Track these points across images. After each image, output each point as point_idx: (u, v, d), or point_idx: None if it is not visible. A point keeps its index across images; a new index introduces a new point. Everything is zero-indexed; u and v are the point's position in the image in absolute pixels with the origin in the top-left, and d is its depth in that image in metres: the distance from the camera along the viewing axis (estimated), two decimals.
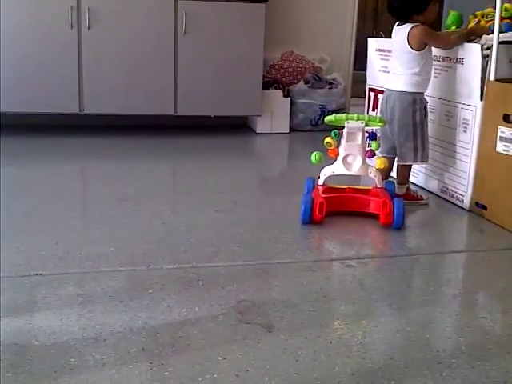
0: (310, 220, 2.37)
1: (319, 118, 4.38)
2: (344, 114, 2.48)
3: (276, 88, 4.36)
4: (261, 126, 4.30)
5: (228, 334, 1.54)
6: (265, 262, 2.04)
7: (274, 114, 4.30)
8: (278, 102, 4.30)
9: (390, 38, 2.70)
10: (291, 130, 4.40)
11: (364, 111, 3.42)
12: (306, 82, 4.42)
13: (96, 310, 1.64)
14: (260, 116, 4.24)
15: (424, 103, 2.62)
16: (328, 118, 2.49)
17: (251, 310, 1.67)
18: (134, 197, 2.73)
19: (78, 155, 3.56)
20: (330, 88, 4.44)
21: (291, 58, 4.46)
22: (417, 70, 2.56)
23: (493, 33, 2.49)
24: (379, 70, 3.26)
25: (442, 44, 2.66)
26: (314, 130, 4.42)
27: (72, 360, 1.39)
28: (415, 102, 2.59)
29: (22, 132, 3.98)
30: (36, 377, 1.32)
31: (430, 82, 2.66)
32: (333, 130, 2.51)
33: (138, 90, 3.94)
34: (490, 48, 2.52)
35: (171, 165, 3.54)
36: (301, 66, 4.46)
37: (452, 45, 2.65)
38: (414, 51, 2.54)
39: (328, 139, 2.49)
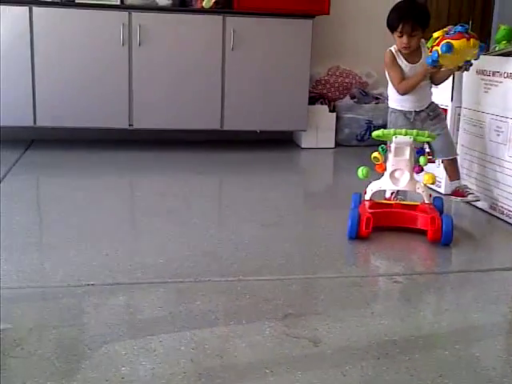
0: (356, 235, 2.37)
1: (365, 133, 4.37)
2: (392, 129, 2.47)
3: (322, 103, 4.37)
4: (306, 140, 4.32)
5: (275, 347, 1.55)
6: (311, 277, 2.05)
7: (320, 129, 4.31)
8: (324, 116, 4.30)
9: None
10: (337, 145, 4.40)
11: None
12: (352, 97, 4.42)
13: (145, 320, 1.67)
14: (305, 131, 4.25)
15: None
16: (376, 133, 2.49)
17: (298, 324, 1.67)
18: (182, 210, 2.78)
19: (127, 169, 3.64)
20: (377, 103, 4.42)
21: (337, 73, 4.47)
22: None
23: None
24: None
25: (392, 81, 2.69)
26: (360, 145, 4.41)
27: (123, 369, 1.42)
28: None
29: (74, 146, 4.09)
30: None
31: (479, 96, 2.64)
32: (380, 145, 2.51)
33: (186, 105, 4.00)
34: None
35: (217, 179, 3.58)
36: (347, 80, 4.47)
37: (402, 89, 2.65)
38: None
39: (375, 154, 2.49)
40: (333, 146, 4.37)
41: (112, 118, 3.97)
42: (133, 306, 1.77)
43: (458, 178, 2.80)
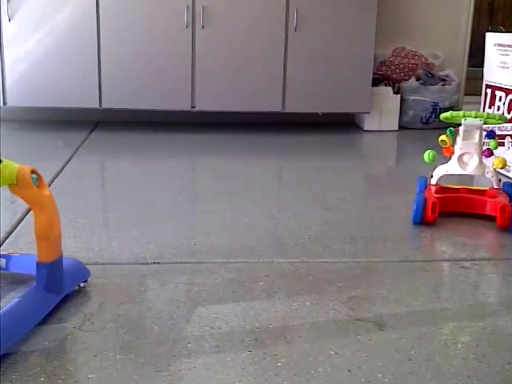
0: (421, 220, 2.32)
1: (430, 116, 4.26)
2: (461, 111, 2.40)
3: (386, 85, 4.29)
4: (369, 123, 4.25)
5: (339, 329, 1.54)
6: (375, 260, 2.02)
7: (383, 112, 4.23)
8: (388, 98, 4.23)
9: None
10: (400, 127, 4.31)
11: (479, 109, 3.29)
12: (418, 79, 4.32)
13: (210, 299, 1.69)
14: (369, 113, 4.19)
15: None
16: (444, 115, 2.42)
17: (362, 307, 1.66)
18: (243, 192, 2.79)
19: (189, 151, 3.68)
20: (443, 85, 4.31)
21: (403, 54, 4.37)
22: None
23: None
24: (498, 66, 3.13)
25: None
26: (425, 128, 4.31)
27: (189, 345, 1.44)
28: None
29: (137, 128, 4.16)
30: (155, 359, 1.38)
31: None
32: (448, 127, 2.44)
33: (248, 87, 4.01)
34: None
35: (278, 161, 3.58)
36: (412, 62, 4.36)
37: None
38: None
39: (443, 137, 2.42)
40: (396, 128, 4.29)
41: (175, 100, 4.02)
42: (197, 284, 1.79)
43: None
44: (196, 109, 4.04)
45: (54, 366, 1.36)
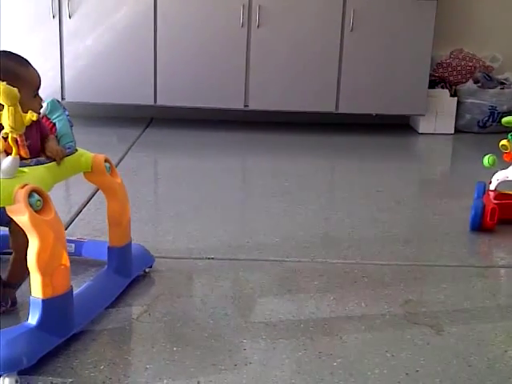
0: (479, 226, 2.27)
1: (488, 120, 4.16)
2: None
3: (442, 87, 4.22)
4: (424, 125, 4.18)
5: (396, 332, 1.52)
6: (431, 264, 1.99)
7: (439, 114, 4.16)
8: (444, 101, 4.15)
9: None
10: (456, 131, 4.22)
11: None
12: (476, 82, 4.22)
13: (265, 295, 1.70)
14: (424, 115, 4.12)
15: None
16: (506, 119, 2.36)
17: (419, 311, 1.63)
18: (295, 191, 2.78)
19: (242, 149, 3.69)
20: (502, 88, 4.20)
21: (460, 56, 4.28)
22: None
23: None
24: None
25: None
26: (482, 132, 4.21)
27: (244, 341, 1.45)
28: None
29: (190, 126, 4.20)
30: (213, 353, 1.39)
31: None
32: (509, 132, 2.38)
33: (302, 87, 4.00)
34: None
35: (330, 162, 3.56)
36: (470, 64, 4.27)
37: None
38: None
39: (504, 142, 2.36)
40: (452, 132, 4.21)
41: (228, 99, 4.04)
42: (251, 281, 1.79)
43: None
44: (249, 108, 4.06)
45: (112, 355, 1.39)
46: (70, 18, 3.89)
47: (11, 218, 1.44)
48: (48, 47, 3.90)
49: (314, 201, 2.63)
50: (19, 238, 1.47)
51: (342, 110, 4.04)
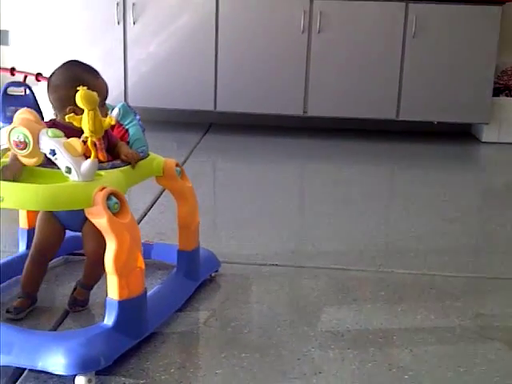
0: None
1: None
2: None
3: (507, 95, 4.11)
4: (487, 134, 4.08)
5: (468, 346, 1.48)
6: (502, 277, 1.93)
7: (503, 123, 4.05)
8: (509, 109, 4.04)
9: None
10: None
11: None
12: None
13: (331, 304, 1.68)
14: (487, 124, 4.02)
15: None
16: None
17: (492, 325, 1.59)
18: (357, 199, 2.75)
19: (301, 156, 3.69)
20: None
21: None
22: None
23: None
24: None
25: None
26: None
27: (312, 350, 1.44)
28: None
29: (249, 131, 4.22)
30: (281, 361, 1.39)
31: None
32: None
33: (362, 93, 3.96)
34: None
35: (391, 170, 3.51)
36: None
37: None
38: None
39: None
40: None
41: (287, 105, 4.04)
42: (317, 289, 1.78)
43: None
44: (308, 114, 4.05)
45: (182, 358, 1.40)
46: (133, 24, 3.97)
47: (83, 222, 1.49)
48: (112, 53, 3.99)
49: (377, 209, 2.60)
50: (91, 242, 1.50)
51: (402, 117, 3.99)
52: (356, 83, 3.95)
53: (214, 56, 3.98)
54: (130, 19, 3.96)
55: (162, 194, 2.57)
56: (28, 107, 1.52)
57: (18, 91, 2.89)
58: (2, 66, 2.86)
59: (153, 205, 2.51)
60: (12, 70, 2.80)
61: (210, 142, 3.91)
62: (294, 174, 3.32)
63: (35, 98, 2.84)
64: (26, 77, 2.84)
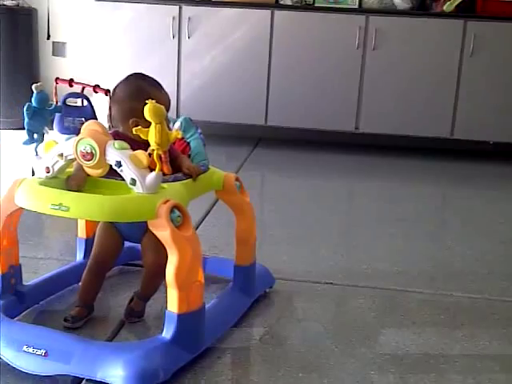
0: None
1: None
2: None
3: None
4: None
5: None
6: None
7: None
8: None
9: None
10: None
11: None
12: None
13: (389, 326, 1.64)
14: None
15: None
16: None
17: None
18: (413, 218, 2.70)
19: (352, 173, 3.65)
20: None
21: None
22: None
23: None
24: None
25: None
26: None
27: (372, 373, 1.40)
28: None
29: (298, 146, 4.21)
30: (339, 383, 1.36)
31: None
32: None
33: (415, 111, 3.91)
34: None
35: (444, 189, 3.43)
36: None
37: None
38: None
39: None
40: None
41: (339, 121, 4.02)
42: (373, 309, 1.74)
43: None
44: (359, 130, 4.01)
45: (238, 375, 1.38)
46: (188, 38, 4.01)
47: (143, 234, 1.49)
48: (166, 66, 4.04)
49: (432, 229, 2.55)
50: (150, 254, 1.51)
51: (457, 136, 3.91)
52: (409, 100, 3.90)
53: (266, 70, 3.99)
54: (185, 33, 4.00)
55: (213, 207, 2.57)
56: (86, 118, 1.55)
57: (77, 102, 2.94)
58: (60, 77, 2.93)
59: (204, 218, 2.51)
60: (70, 81, 2.84)
61: (260, 157, 3.91)
62: (344, 190, 3.28)
63: (93, 109, 2.88)
64: (83, 88, 2.88)
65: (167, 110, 1.53)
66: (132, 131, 1.37)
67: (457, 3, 3.71)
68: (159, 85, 1.57)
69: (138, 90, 1.51)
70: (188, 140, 1.65)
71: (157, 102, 1.34)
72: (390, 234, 2.46)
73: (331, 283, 1.92)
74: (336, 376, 1.38)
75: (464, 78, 3.83)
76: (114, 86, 1.57)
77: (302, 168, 3.67)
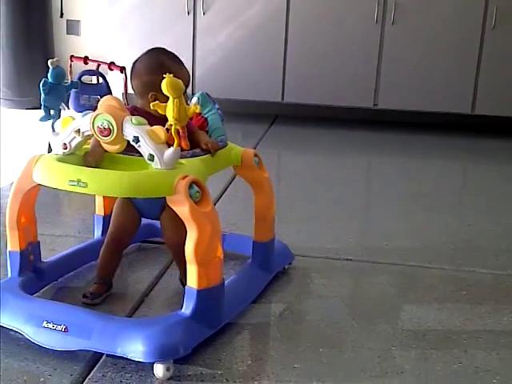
0: None
1: None
2: None
3: None
4: None
5: None
6: None
7: None
8: None
9: None
10: None
11: None
12: None
13: (411, 302, 1.62)
14: None
15: None
16: None
17: None
18: (431, 195, 2.67)
19: (369, 149, 3.60)
20: None
21: None
22: None
23: None
24: None
25: None
26: None
27: (394, 348, 1.39)
28: None
29: (316, 123, 4.16)
30: (360, 357, 1.34)
31: None
32: None
33: (435, 86, 3.84)
34: None
35: (464, 165, 3.39)
36: None
37: None
38: None
39: None
40: None
41: (357, 97, 3.96)
42: (394, 286, 1.73)
43: None
44: (378, 106, 3.95)
45: (259, 350, 1.38)
46: (203, 14, 3.97)
47: (161, 211, 1.48)
48: (181, 43, 4.00)
49: (453, 205, 2.51)
50: (171, 233, 1.50)
51: (478, 112, 3.84)
52: (430, 76, 3.83)
53: (283, 46, 3.94)
54: (200, 9, 3.96)
55: (230, 184, 2.55)
56: (102, 95, 1.53)
57: (92, 80, 2.93)
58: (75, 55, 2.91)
59: (222, 195, 2.49)
60: (85, 59, 2.83)
61: (277, 134, 3.88)
62: (363, 167, 3.25)
63: (109, 86, 2.86)
64: (99, 65, 2.86)
65: (186, 86, 1.51)
66: (150, 106, 1.35)
67: None
68: (180, 60, 1.54)
69: (158, 63, 1.48)
70: (206, 115, 1.62)
71: (177, 76, 1.32)
72: (411, 210, 2.43)
73: (351, 259, 1.90)
74: (357, 351, 1.37)
75: (486, 53, 3.75)
76: (133, 60, 1.55)
77: (319, 145, 3.63)
